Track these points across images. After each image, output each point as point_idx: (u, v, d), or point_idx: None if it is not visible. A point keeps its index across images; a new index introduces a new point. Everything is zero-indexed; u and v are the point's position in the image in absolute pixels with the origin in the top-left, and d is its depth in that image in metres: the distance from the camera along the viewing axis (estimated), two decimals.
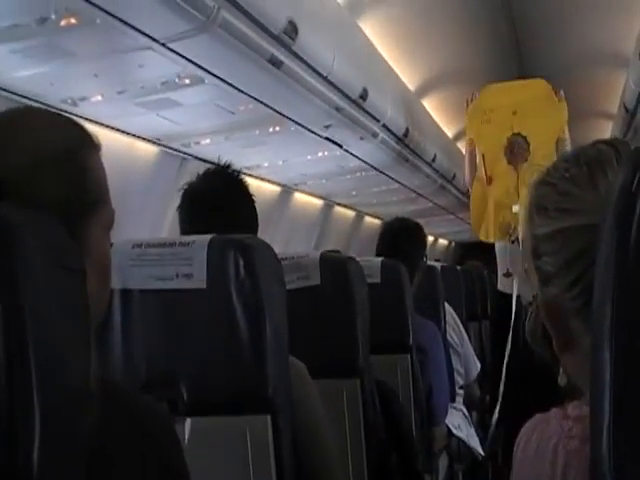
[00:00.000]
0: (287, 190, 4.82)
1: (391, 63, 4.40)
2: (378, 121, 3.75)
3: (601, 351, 0.54)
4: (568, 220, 0.73)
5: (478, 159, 3.82)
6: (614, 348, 0.54)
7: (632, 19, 3.77)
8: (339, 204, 5.89)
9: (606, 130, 6.50)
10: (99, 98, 2.44)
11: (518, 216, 3.44)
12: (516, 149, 3.66)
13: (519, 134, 3.69)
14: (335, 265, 1.71)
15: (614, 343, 0.54)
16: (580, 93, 5.86)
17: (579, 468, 0.68)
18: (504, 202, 3.57)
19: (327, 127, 3.42)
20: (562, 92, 3.80)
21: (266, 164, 3.89)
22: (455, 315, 3.25)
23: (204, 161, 3.24)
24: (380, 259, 2.22)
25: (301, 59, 2.65)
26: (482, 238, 3.74)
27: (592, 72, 5.29)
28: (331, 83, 2.99)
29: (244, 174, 1.65)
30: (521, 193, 3.52)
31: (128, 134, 2.97)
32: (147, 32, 1.99)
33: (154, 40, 2.04)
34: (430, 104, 5.58)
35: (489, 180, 3.71)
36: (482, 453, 3.07)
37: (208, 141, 3.19)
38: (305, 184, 4.73)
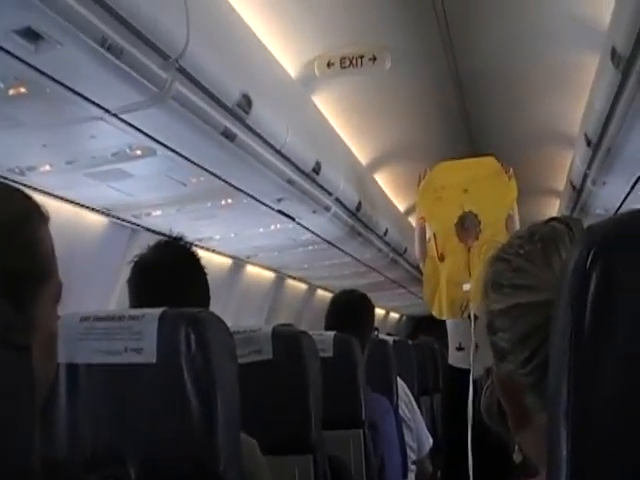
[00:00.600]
0: (238, 262, 4.81)
1: (344, 138, 4.50)
2: (331, 194, 3.80)
3: (558, 427, 0.54)
4: (522, 296, 0.74)
5: (429, 236, 3.90)
6: (571, 425, 0.54)
7: (577, 101, 3.94)
8: (291, 277, 5.89)
9: (554, 207, 6.69)
10: (47, 168, 2.42)
11: (469, 294, 3.50)
12: (467, 225, 3.74)
13: (470, 212, 3.78)
14: (288, 339, 1.69)
15: (571, 419, 0.54)
16: (529, 170, 6.04)
17: None
18: (456, 279, 3.63)
19: (280, 200, 3.44)
20: (511, 170, 3.92)
21: (218, 236, 3.88)
22: (407, 389, 3.24)
23: (155, 232, 3.22)
24: (333, 333, 2.21)
25: (255, 132, 2.68)
26: (435, 314, 3.77)
27: (540, 150, 5.47)
28: (284, 156, 3.03)
29: (195, 246, 1.65)
30: (472, 270, 3.59)
31: (77, 204, 2.94)
32: (99, 102, 1.99)
33: (106, 111, 2.04)
34: (382, 179, 5.69)
35: (441, 257, 3.78)
36: None
37: (159, 212, 3.18)
38: (257, 256, 4.73)
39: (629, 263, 0.52)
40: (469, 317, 3.51)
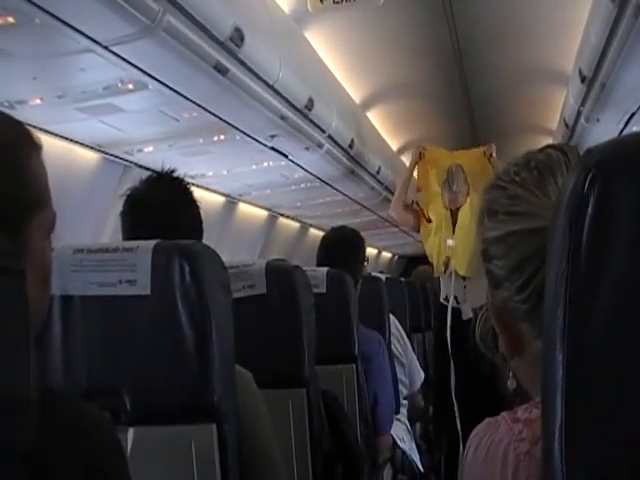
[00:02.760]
0: (231, 200, 4.79)
1: (337, 75, 4.44)
2: (324, 132, 3.77)
3: (553, 352, 0.54)
4: (518, 223, 0.74)
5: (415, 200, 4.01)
6: (566, 349, 0.54)
7: (572, 38, 3.89)
8: (284, 215, 5.89)
9: None
10: (38, 102, 2.38)
11: (452, 250, 3.64)
12: (453, 177, 3.83)
13: (459, 165, 3.88)
14: (281, 274, 1.70)
15: (566, 344, 0.54)
16: (522, 109, 6.02)
17: (529, 470, 0.68)
18: (441, 236, 3.77)
19: (272, 137, 3.41)
20: (494, 147, 3.99)
21: (210, 173, 3.86)
22: (399, 326, 3.27)
23: (147, 169, 3.19)
24: (325, 269, 2.22)
25: (247, 67, 2.64)
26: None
27: (534, 89, 5.43)
28: (277, 92, 2.99)
29: (188, 183, 1.63)
30: (457, 230, 3.75)
31: (68, 140, 2.91)
32: (89, 34, 1.94)
33: (96, 43, 2.00)
34: (375, 117, 5.63)
35: (428, 219, 3.90)
36: (421, 469, 3.09)
37: (151, 149, 3.15)
38: (250, 194, 4.71)
39: (628, 185, 0.51)
40: (451, 274, 3.65)
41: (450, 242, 3.69)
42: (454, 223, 3.78)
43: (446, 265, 3.75)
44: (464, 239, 3.62)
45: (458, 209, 3.82)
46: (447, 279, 3.77)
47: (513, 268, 0.74)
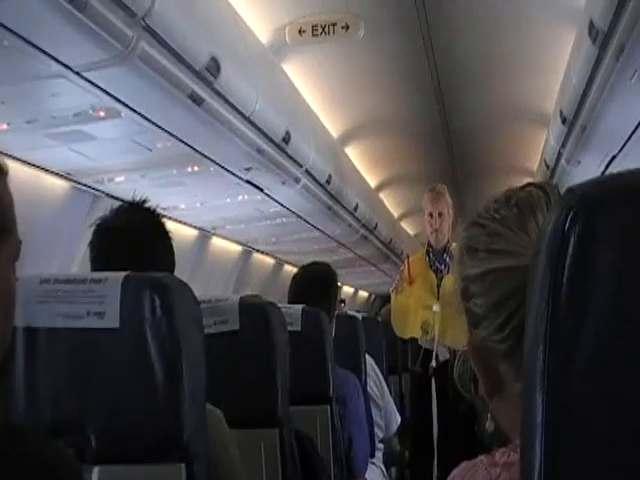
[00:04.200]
0: (205, 234, 4.78)
1: (315, 109, 4.48)
2: (301, 166, 3.79)
3: (533, 394, 0.54)
4: (498, 261, 0.75)
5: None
6: (547, 391, 0.54)
7: (553, 79, 3.97)
8: (258, 250, 5.88)
9: None
10: (5, 127, 2.37)
11: (437, 316, 3.64)
12: (437, 190, 3.84)
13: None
14: (255, 310, 1.69)
15: (547, 386, 0.53)
16: (502, 149, 6.12)
17: None
18: (424, 302, 3.76)
19: (248, 170, 3.42)
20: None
21: (183, 205, 3.85)
22: (376, 367, 3.26)
23: (118, 199, 3.18)
24: (301, 306, 2.21)
25: (223, 97, 2.65)
26: (400, 334, 3.91)
27: (514, 129, 5.53)
28: (253, 124, 3.01)
29: (161, 215, 1.63)
30: (440, 293, 3.73)
31: (36, 167, 2.90)
32: (60, 59, 1.94)
33: (68, 68, 1.99)
34: (353, 152, 5.69)
35: (411, 280, 3.89)
36: None
37: (122, 178, 3.14)
38: (224, 228, 4.71)
39: (609, 223, 0.52)
40: (433, 339, 3.65)
41: (435, 307, 3.70)
42: (439, 287, 3.78)
43: (425, 330, 3.74)
44: (449, 308, 3.60)
45: (440, 278, 3.80)
46: (426, 342, 3.78)
47: (492, 306, 0.75)
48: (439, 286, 3.77)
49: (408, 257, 4.08)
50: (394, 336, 4.51)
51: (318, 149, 4.02)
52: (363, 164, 6.04)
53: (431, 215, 3.78)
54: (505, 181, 6.46)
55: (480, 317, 0.76)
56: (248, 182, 3.59)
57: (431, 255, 3.84)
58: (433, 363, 3.68)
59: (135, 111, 2.39)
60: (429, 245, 3.87)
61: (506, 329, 0.73)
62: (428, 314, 3.73)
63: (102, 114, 2.36)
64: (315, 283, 2.60)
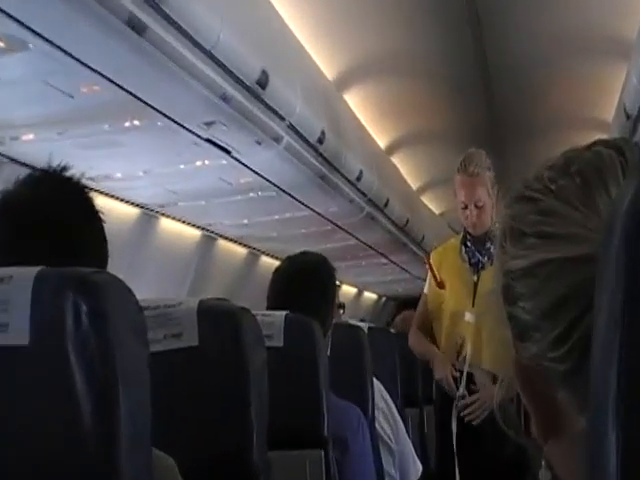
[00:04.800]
0: (150, 214, 4.78)
1: (304, 42, 4.47)
2: (283, 119, 3.78)
3: (603, 432, 0.54)
4: (554, 249, 0.75)
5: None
6: (621, 428, 0.54)
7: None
8: (224, 237, 5.89)
9: None
10: None
11: (469, 326, 3.67)
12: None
13: None
14: (221, 319, 1.69)
15: (622, 421, 0.54)
16: (562, 93, 6.11)
17: None
18: (457, 307, 3.79)
19: (209, 125, 3.42)
20: None
21: (119, 174, 3.85)
22: (388, 397, 3.28)
23: (26, 166, 3.18)
24: (283, 313, 2.22)
25: (174, 23, 2.65)
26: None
27: (578, 64, 5.50)
28: (216, 61, 3.00)
29: (87, 188, 1.62)
30: (478, 300, 3.76)
31: None
32: None
33: None
34: (355, 100, 5.68)
35: (440, 282, 3.93)
36: None
37: (32, 137, 3.13)
38: (175, 206, 4.72)
39: None
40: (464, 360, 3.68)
41: (468, 316, 3.73)
42: (475, 290, 3.80)
43: (459, 350, 3.78)
44: (488, 315, 3.62)
45: (478, 276, 3.82)
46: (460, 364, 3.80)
47: (547, 311, 0.75)
48: (476, 285, 3.79)
49: (429, 255, 4.11)
50: (412, 354, 4.53)
51: (306, 96, 4.02)
52: (369, 116, 6.04)
53: (465, 206, 3.80)
54: (566, 138, 6.47)
55: (529, 327, 0.77)
56: (210, 142, 3.59)
57: (469, 244, 3.86)
58: (461, 391, 3.71)
59: (50, 42, 2.38)
60: (465, 232, 3.89)
61: (566, 343, 0.73)
62: (460, 325, 3.76)
63: (1, 45, 2.34)
64: (305, 281, 2.60)
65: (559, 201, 0.77)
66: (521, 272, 0.78)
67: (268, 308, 2.53)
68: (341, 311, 2.80)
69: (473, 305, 3.73)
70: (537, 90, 6.06)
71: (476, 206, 3.76)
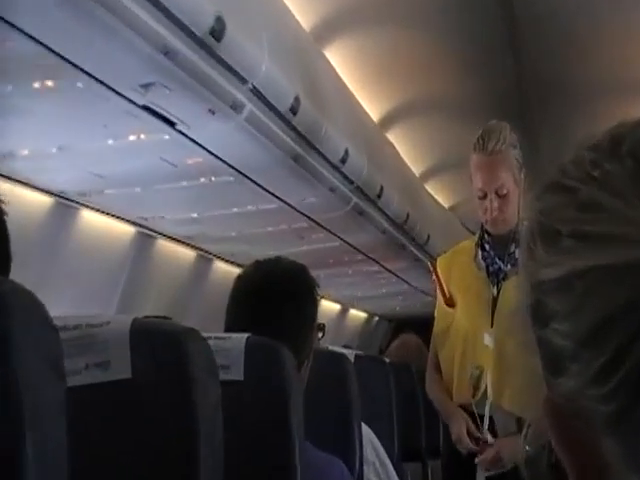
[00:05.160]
0: (66, 204, 4.77)
1: None
2: (244, 80, 3.78)
3: None
4: (598, 254, 0.75)
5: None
6: None
7: None
8: (166, 236, 5.88)
9: None
10: None
11: (488, 353, 3.68)
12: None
13: None
14: (161, 343, 1.70)
15: None
16: (609, 48, 6.15)
17: None
18: (473, 328, 3.81)
19: (147, 87, 3.41)
20: None
21: (25, 152, 3.84)
22: (380, 447, 3.29)
23: None
24: (245, 336, 2.23)
25: None
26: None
27: (635, 11, 5.54)
28: (156, 4, 3.00)
29: None
30: (497, 319, 3.78)
31: None
32: None
33: None
34: (338, 58, 5.68)
35: (448, 300, 3.93)
36: None
37: None
38: (102, 194, 4.70)
39: None
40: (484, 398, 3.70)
41: (487, 339, 3.72)
42: (495, 306, 3.79)
43: (476, 384, 3.78)
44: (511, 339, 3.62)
45: (499, 288, 3.83)
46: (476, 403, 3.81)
47: (588, 336, 0.75)
48: (496, 300, 3.79)
49: (435, 261, 4.11)
50: (413, 391, 4.55)
51: (275, 51, 4.01)
52: (357, 79, 6.04)
53: (484, 195, 3.78)
54: (614, 108, 6.50)
55: (566, 355, 0.77)
56: (148, 110, 3.58)
57: (487, 247, 3.86)
58: (487, 435, 3.72)
59: None
60: (483, 230, 3.88)
61: (613, 376, 0.73)
62: (476, 352, 3.76)
63: None
64: (276, 295, 2.61)
65: (605, 191, 0.77)
66: (555, 284, 0.78)
67: (226, 329, 2.54)
68: (320, 334, 2.80)
69: (492, 326, 3.75)
70: (577, 46, 6.08)
71: (497, 194, 3.74)
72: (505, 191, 3.72)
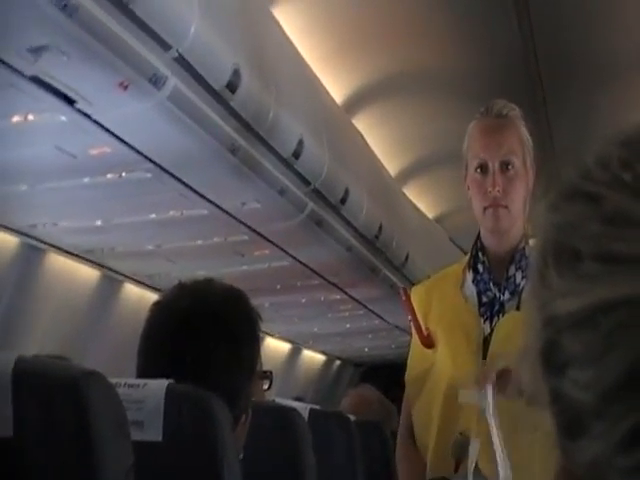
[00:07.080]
0: None
1: None
2: (167, 46, 3.79)
3: None
4: (631, 281, 0.76)
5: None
6: None
7: None
8: (61, 249, 5.88)
9: None
10: None
11: (477, 413, 3.70)
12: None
13: None
14: (52, 392, 1.70)
15: None
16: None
17: None
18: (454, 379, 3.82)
19: (38, 52, 3.41)
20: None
21: None
22: None
23: None
24: (165, 383, 2.23)
25: None
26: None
27: None
28: None
29: None
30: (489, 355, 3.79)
31: None
32: None
33: None
34: (287, 18, 5.70)
35: (426, 339, 3.93)
36: None
37: None
38: None
39: None
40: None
41: (474, 395, 3.72)
42: (486, 347, 3.79)
43: (460, 454, 3.78)
44: (511, 394, 3.64)
45: (493, 324, 3.83)
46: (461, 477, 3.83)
47: (615, 388, 0.76)
48: (487, 340, 3.80)
49: (406, 290, 4.11)
50: (385, 457, 4.57)
51: (208, 2, 4.01)
52: (308, 38, 6.05)
53: (484, 168, 3.76)
54: None
55: (587, 412, 0.78)
56: (39, 82, 3.58)
57: (480, 269, 3.86)
58: None
59: None
60: (477, 246, 3.88)
61: None
62: (461, 410, 3.77)
63: None
64: (203, 328, 2.62)
65: (636, 198, 0.78)
66: (574, 319, 0.78)
67: (139, 374, 2.54)
68: (265, 385, 2.81)
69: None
70: (599, 10, 6.15)
71: (502, 168, 3.70)
72: (511, 167, 3.68)
